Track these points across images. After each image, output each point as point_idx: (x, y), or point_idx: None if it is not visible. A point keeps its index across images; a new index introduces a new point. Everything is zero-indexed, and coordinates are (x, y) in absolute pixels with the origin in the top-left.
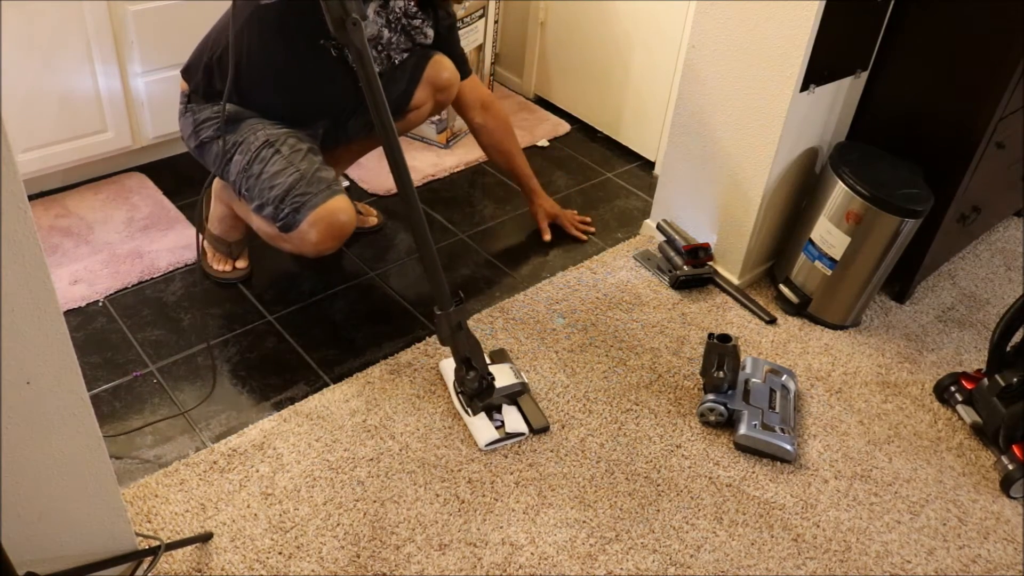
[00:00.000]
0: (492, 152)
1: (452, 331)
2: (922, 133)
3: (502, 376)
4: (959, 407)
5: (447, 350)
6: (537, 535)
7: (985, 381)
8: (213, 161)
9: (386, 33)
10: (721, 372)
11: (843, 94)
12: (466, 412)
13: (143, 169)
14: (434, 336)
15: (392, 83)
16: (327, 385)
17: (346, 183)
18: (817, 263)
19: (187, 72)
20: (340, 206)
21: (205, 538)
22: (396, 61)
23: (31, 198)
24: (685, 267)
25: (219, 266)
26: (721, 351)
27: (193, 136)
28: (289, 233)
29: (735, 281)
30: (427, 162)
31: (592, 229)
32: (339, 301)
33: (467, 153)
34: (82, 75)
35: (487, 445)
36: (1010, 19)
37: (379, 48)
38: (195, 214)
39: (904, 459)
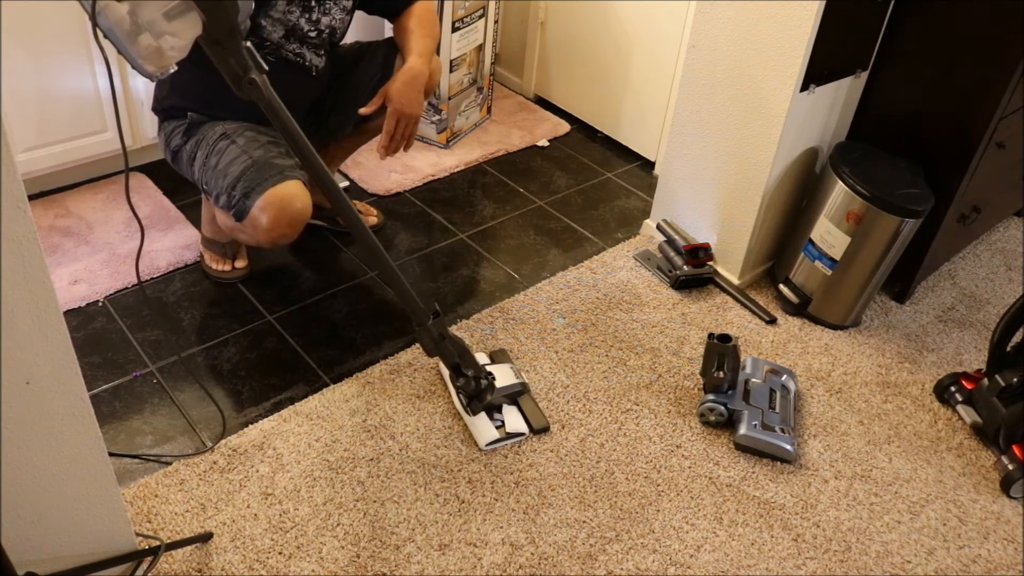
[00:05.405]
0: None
1: (435, 343)
2: (922, 133)
3: (502, 376)
4: (959, 407)
5: None
6: (537, 535)
7: (985, 381)
8: (186, 167)
9: (316, 15)
10: (721, 372)
11: (843, 94)
12: (466, 412)
13: (143, 169)
14: None
15: (363, 78)
16: (327, 385)
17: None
18: (817, 263)
19: (154, 108)
20: (292, 191)
21: (205, 538)
22: (344, 22)
23: (31, 198)
24: (685, 267)
25: (217, 266)
26: (721, 351)
27: (167, 148)
28: (242, 221)
29: (735, 281)
30: (427, 162)
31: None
32: (339, 301)
33: (467, 153)
34: (82, 75)
35: (487, 445)
36: (1010, 19)
37: (318, 31)
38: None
39: (904, 459)
